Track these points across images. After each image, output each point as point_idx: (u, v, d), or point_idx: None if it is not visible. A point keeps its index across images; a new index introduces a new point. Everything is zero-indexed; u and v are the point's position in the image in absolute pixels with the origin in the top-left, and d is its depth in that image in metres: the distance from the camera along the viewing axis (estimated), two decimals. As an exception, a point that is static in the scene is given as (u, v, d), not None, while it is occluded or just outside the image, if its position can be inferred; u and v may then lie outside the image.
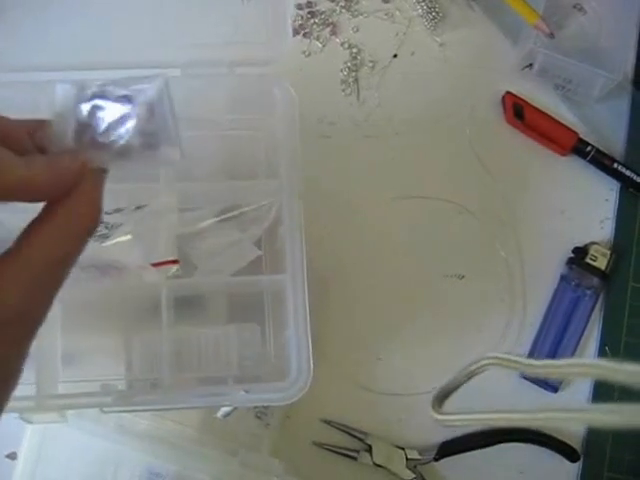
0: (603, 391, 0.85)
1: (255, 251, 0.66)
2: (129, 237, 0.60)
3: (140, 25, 0.64)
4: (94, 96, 0.47)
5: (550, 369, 0.54)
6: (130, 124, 0.47)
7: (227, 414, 0.69)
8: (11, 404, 0.60)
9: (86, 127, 0.47)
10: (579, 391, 0.86)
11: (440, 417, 0.56)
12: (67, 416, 0.63)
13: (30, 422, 0.64)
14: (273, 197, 0.65)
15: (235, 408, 0.69)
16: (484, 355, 0.55)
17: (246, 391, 0.61)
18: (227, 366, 0.68)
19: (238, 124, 0.73)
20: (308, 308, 0.63)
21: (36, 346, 0.62)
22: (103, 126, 0.47)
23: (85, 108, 0.47)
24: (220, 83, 0.66)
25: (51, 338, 0.66)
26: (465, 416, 0.56)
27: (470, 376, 0.56)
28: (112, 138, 0.47)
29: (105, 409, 0.61)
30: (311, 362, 0.62)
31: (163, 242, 0.61)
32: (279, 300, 0.67)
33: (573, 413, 0.53)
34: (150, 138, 0.48)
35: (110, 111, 0.47)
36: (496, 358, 0.55)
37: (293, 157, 0.65)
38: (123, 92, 0.48)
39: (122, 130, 0.48)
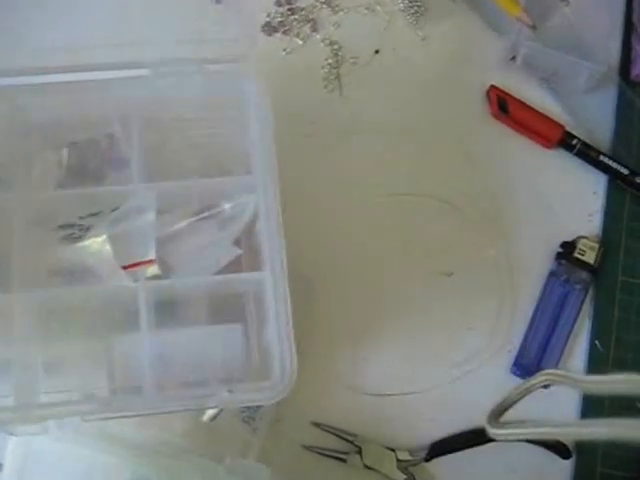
0: (591, 401, 0.84)
1: (234, 250, 0.65)
2: (104, 239, 0.58)
3: (106, 25, 0.63)
4: None
5: (602, 385, 0.54)
6: None
7: (213, 417, 0.68)
8: (-9, 415, 0.59)
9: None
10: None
11: (496, 432, 0.56)
12: (48, 427, 0.61)
13: (13, 434, 0.62)
14: (250, 193, 0.64)
15: (221, 410, 0.68)
16: (540, 372, 0.56)
17: (230, 391, 0.60)
18: (210, 368, 0.67)
19: (211, 122, 0.72)
20: (290, 304, 0.62)
21: (14, 355, 0.62)
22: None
23: None
24: (191, 81, 0.65)
25: (28, 346, 0.64)
26: (520, 430, 0.56)
27: (526, 393, 0.56)
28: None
29: (87, 417, 0.59)
30: (295, 359, 0.60)
31: (141, 243, 0.60)
32: (260, 298, 0.66)
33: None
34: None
35: None
36: (551, 374, 0.56)
37: (267, 150, 0.64)
38: None
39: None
